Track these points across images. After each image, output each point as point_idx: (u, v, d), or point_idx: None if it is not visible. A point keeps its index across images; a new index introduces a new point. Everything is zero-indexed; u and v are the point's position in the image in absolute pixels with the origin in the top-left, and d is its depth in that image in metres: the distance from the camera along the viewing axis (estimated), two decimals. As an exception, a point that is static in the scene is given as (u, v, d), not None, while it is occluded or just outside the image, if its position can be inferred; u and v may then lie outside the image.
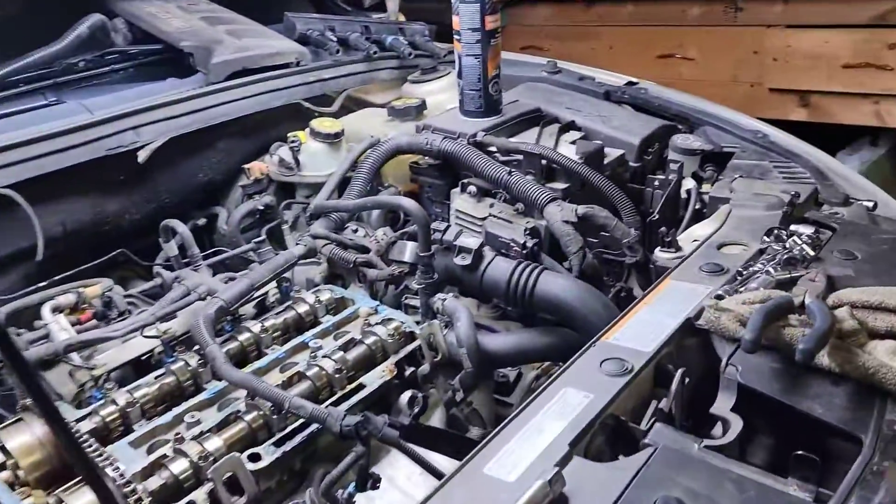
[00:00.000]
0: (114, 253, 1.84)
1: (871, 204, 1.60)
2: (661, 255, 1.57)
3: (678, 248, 1.55)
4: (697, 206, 1.90)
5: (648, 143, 2.11)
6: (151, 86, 2.02)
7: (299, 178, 2.12)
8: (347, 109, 2.45)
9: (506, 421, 1.00)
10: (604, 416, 1.00)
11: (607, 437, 1.01)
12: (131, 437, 1.27)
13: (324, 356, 1.46)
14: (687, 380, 1.06)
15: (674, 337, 1.14)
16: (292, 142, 2.09)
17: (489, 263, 1.65)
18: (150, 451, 1.24)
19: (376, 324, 1.56)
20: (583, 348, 1.14)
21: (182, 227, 1.85)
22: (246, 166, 2.10)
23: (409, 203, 1.60)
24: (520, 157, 1.88)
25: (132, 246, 1.98)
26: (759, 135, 2.05)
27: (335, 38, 2.40)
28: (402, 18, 2.87)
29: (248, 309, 1.72)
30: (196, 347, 1.45)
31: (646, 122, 2.21)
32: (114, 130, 1.80)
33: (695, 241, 1.50)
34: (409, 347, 1.52)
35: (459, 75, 2.03)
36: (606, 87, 2.45)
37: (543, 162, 1.83)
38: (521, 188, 1.75)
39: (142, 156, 1.83)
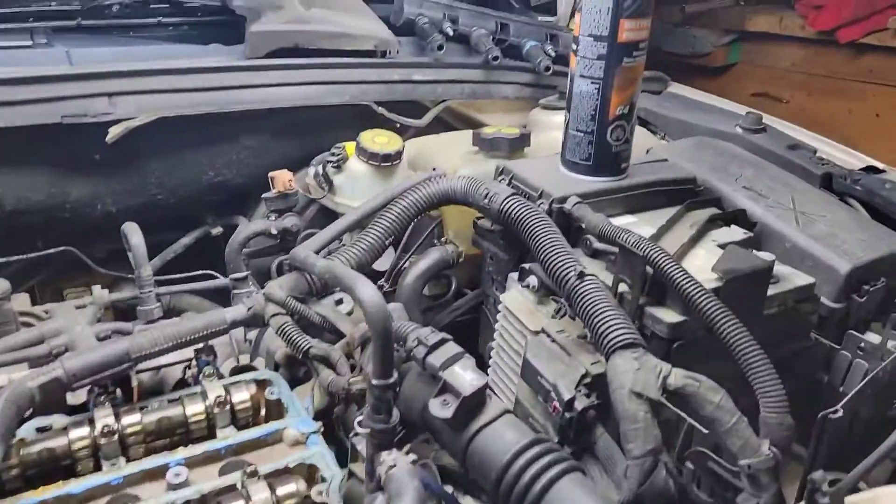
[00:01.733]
0: (55, 249, 1.41)
1: None
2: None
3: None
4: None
5: (866, 276, 1.25)
6: (180, 47, 1.57)
7: (332, 202, 1.56)
8: (446, 126, 1.84)
9: None
10: None
11: None
12: None
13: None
14: None
15: None
16: (333, 154, 1.54)
17: (483, 427, 0.95)
18: None
19: (276, 473, 0.96)
20: None
21: (136, 237, 1.37)
22: (271, 174, 1.58)
23: (366, 292, 0.94)
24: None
25: (107, 244, 1.55)
26: None
27: (451, 32, 1.79)
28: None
29: (175, 373, 1.21)
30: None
31: (876, 237, 1.33)
32: (83, 92, 1.35)
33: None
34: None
35: (568, 106, 1.33)
36: (830, 168, 1.58)
37: (649, 269, 1.08)
38: (587, 307, 1.02)
39: (111, 133, 1.37)
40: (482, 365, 1.32)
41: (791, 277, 1.22)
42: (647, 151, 1.53)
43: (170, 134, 1.47)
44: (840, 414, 1.03)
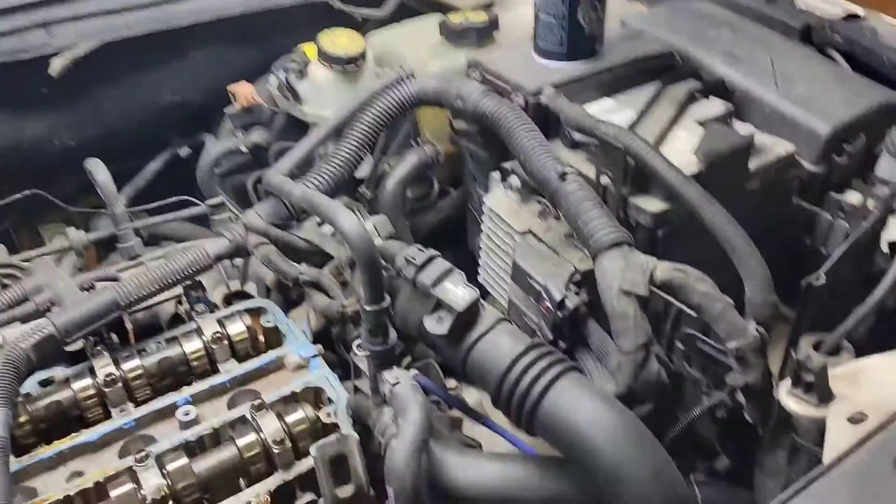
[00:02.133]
0: (21, 193, 1.36)
1: None
2: (793, 404, 0.81)
3: (827, 396, 0.78)
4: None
5: (846, 135, 1.23)
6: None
7: (300, 112, 1.50)
8: (414, 12, 1.74)
9: None
10: None
11: None
12: None
13: (162, 454, 0.91)
14: None
15: None
16: (293, 60, 1.46)
17: (481, 337, 0.97)
18: None
19: (283, 401, 0.98)
20: None
21: (102, 174, 1.33)
22: (231, 88, 1.51)
23: (347, 224, 0.93)
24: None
25: (75, 178, 1.50)
26: None
27: None
28: None
29: (168, 308, 1.20)
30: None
31: (855, 92, 1.30)
32: (17, 26, 1.26)
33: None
34: (305, 465, 0.93)
35: (534, -12, 1.26)
36: (809, 18, 1.52)
37: (630, 161, 1.06)
38: (572, 208, 1.02)
39: (55, 66, 1.29)
40: (472, 262, 1.33)
41: (771, 147, 1.21)
42: (622, 24, 1.46)
43: (117, 58, 1.38)
44: (823, 281, 1.06)
